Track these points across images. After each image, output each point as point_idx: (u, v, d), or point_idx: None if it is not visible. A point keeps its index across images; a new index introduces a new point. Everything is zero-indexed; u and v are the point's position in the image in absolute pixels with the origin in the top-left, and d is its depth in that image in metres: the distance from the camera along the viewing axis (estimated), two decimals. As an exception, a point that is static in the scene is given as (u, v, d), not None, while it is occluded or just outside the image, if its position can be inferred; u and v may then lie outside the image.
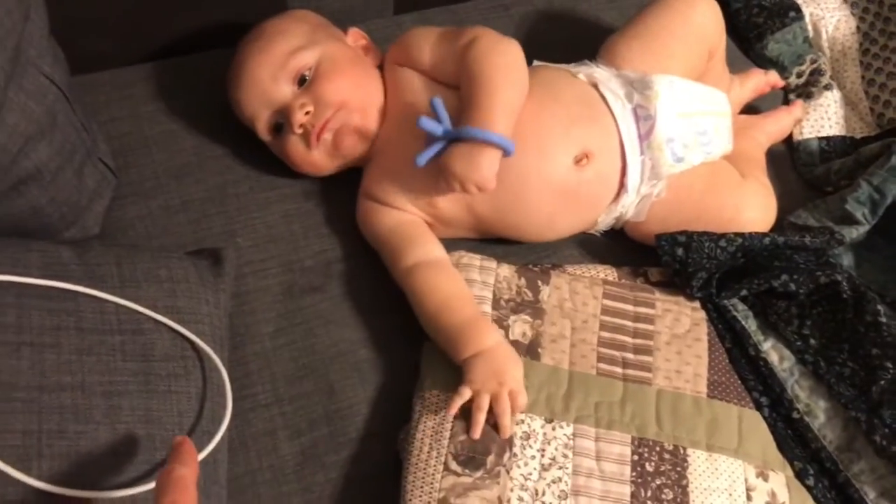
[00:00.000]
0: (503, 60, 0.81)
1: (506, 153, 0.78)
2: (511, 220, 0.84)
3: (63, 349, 0.61)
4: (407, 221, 0.82)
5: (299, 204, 0.88)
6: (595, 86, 0.86)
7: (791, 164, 1.00)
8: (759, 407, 0.80)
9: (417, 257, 0.80)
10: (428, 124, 0.77)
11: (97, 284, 0.66)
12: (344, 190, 0.87)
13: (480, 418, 0.72)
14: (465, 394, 0.72)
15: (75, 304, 0.64)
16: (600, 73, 0.88)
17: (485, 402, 0.72)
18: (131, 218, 0.85)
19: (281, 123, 0.83)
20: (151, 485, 0.59)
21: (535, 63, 0.91)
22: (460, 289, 0.79)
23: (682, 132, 0.85)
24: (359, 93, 0.84)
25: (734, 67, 1.02)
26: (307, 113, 0.81)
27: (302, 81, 0.83)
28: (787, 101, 1.04)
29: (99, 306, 0.65)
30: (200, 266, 0.73)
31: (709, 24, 0.92)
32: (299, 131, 0.82)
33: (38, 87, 0.72)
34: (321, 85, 0.82)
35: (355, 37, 0.89)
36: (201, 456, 0.61)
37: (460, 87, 0.81)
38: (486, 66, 0.80)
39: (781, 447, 0.78)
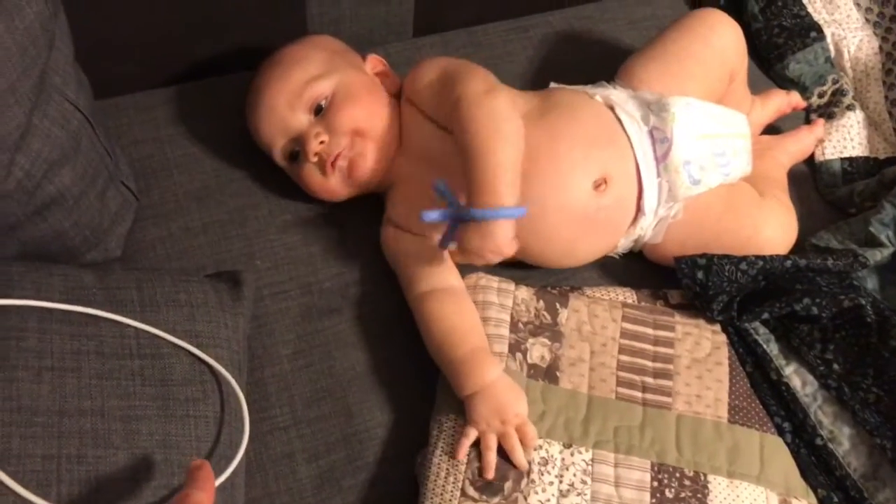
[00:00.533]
0: (490, 121, 0.79)
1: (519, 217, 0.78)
2: (531, 247, 0.84)
3: (83, 374, 0.62)
4: (427, 248, 0.82)
5: (318, 227, 0.89)
6: (611, 108, 0.86)
7: (813, 185, 0.99)
8: (781, 433, 0.79)
9: (431, 284, 0.80)
10: (431, 215, 0.76)
11: (118, 309, 0.66)
12: (363, 213, 0.88)
13: (491, 458, 0.72)
14: (472, 434, 0.73)
15: (96, 328, 0.65)
16: (617, 94, 0.87)
17: (492, 442, 0.72)
18: (152, 240, 0.86)
19: (297, 151, 0.84)
20: (168, 510, 0.59)
21: (552, 85, 0.91)
22: (466, 321, 0.78)
23: (699, 154, 0.84)
24: (374, 122, 0.84)
25: (755, 88, 1.01)
26: (322, 142, 0.82)
27: (318, 110, 0.83)
28: (808, 122, 1.03)
29: (119, 330, 0.65)
30: (220, 289, 0.73)
31: (729, 47, 0.91)
32: (314, 160, 0.83)
33: (62, 114, 0.73)
34: (336, 114, 0.83)
35: (373, 63, 0.90)
36: (219, 481, 0.62)
37: (458, 146, 0.80)
38: (477, 132, 0.78)
39: (805, 474, 0.77)
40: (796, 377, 0.82)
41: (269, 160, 0.88)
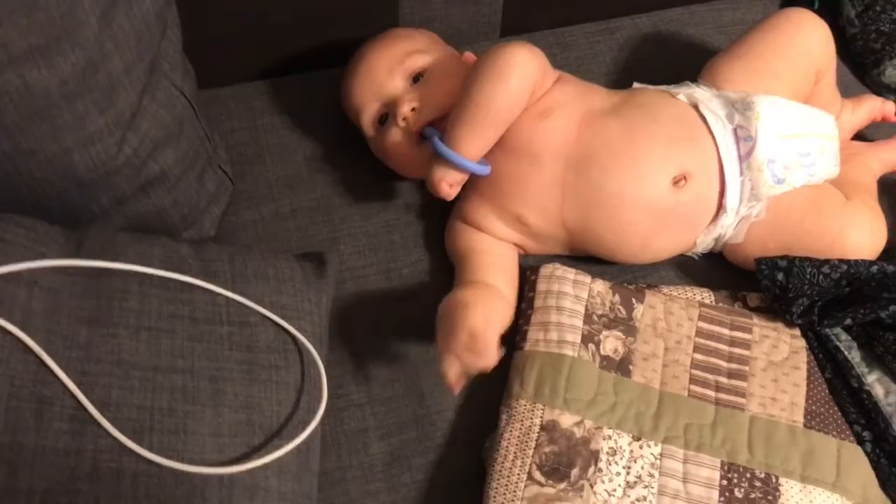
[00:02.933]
0: (498, 65, 0.79)
1: (466, 171, 0.80)
2: (606, 239, 0.84)
3: (177, 335, 0.66)
4: (487, 250, 0.84)
5: (400, 215, 0.92)
6: (695, 106, 0.86)
7: (907, 194, 0.96)
8: (860, 441, 0.77)
9: (479, 277, 0.81)
10: (429, 130, 0.83)
11: (211, 279, 0.70)
12: (442, 204, 0.90)
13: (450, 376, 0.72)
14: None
15: (190, 295, 0.69)
16: (701, 93, 0.87)
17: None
18: (244, 222, 0.91)
19: (385, 115, 0.87)
20: (249, 465, 0.62)
21: (635, 85, 0.92)
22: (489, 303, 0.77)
23: (783, 153, 0.83)
24: None
25: (849, 94, 0.99)
26: (413, 109, 0.85)
27: (415, 80, 0.86)
28: (904, 130, 1.00)
29: (211, 298, 0.69)
30: (305, 267, 0.77)
31: (815, 45, 0.90)
32: (402, 124, 0.85)
33: (168, 98, 0.78)
34: (432, 86, 0.85)
35: (468, 58, 0.93)
36: (296, 441, 0.65)
37: None
38: (479, 71, 0.80)
39: (885, 485, 0.75)
40: (879, 386, 0.79)
41: (358, 152, 0.92)
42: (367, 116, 0.88)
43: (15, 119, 0.66)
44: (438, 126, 0.84)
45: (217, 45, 0.95)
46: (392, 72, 0.86)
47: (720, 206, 0.84)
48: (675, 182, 0.82)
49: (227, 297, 0.70)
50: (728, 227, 0.85)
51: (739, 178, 0.83)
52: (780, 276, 0.81)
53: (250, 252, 0.76)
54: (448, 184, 0.82)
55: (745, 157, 0.83)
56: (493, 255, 0.84)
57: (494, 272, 0.82)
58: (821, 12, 1.04)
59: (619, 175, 0.81)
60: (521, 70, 0.80)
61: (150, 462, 0.60)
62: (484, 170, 0.82)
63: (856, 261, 0.81)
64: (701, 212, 0.84)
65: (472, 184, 0.85)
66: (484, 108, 0.79)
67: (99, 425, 0.59)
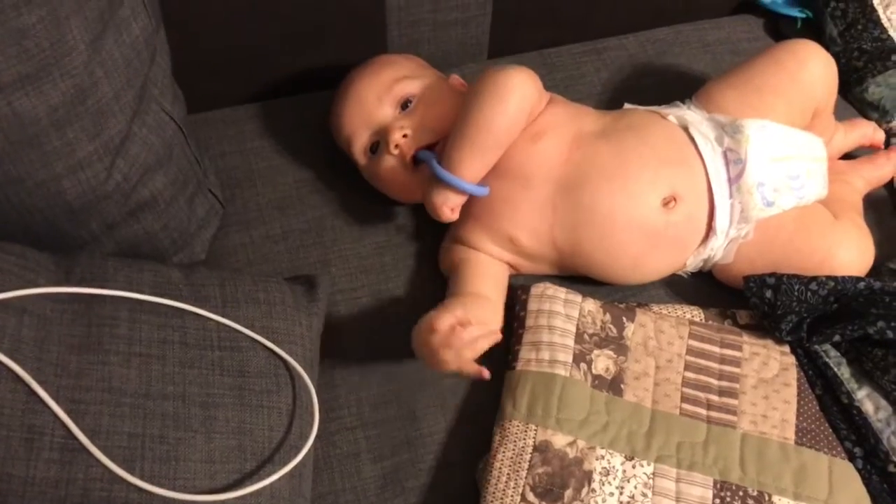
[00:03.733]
0: (496, 86, 0.80)
1: (466, 193, 0.81)
2: (596, 260, 0.85)
3: (168, 361, 0.66)
4: (479, 262, 0.84)
5: (391, 237, 0.92)
6: (685, 128, 0.86)
7: (892, 210, 0.97)
8: (852, 458, 0.77)
9: (470, 289, 0.82)
10: (424, 153, 0.84)
11: (201, 304, 0.70)
12: (433, 226, 0.91)
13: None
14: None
15: (181, 320, 0.69)
16: (691, 115, 0.88)
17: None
18: (235, 245, 0.91)
19: (377, 143, 0.87)
20: (241, 492, 0.62)
21: (626, 106, 0.93)
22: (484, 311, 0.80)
23: (773, 177, 0.84)
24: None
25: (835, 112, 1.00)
26: (405, 136, 0.85)
27: (404, 107, 0.87)
28: (888, 146, 1.01)
29: (202, 323, 0.69)
30: (296, 291, 0.77)
31: (818, 83, 0.88)
32: (395, 152, 0.85)
33: (158, 123, 0.78)
34: (422, 112, 0.86)
35: (455, 81, 0.93)
36: (289, 467, 0.64)
37: None
38: (478, 92, 0.81)
39: (877, 501, 0.75)
40: (869, 402, 0.80)
41: (347, 174, 0.92)
42: (359, 146, 0.88)
43: (4, 146, 0.66)
44: (433, 150, 0.84)
45: (206, 69, 0.95)
46: (381, 100, 0.87)
47: (710, 228, 0.84)
48: (665, 203, 0.83)
49: (217, 322, 0.70)
50: (718, 249, 0.86)
51: (729, 200, 0.84)
52: (769, 294, 0.82)
53: (241, 276, 0.76)
54: (449, 208, 0.83)
55: (734, 180, 0.84)
56: (483, 267, 0.85)
57: (484, 282, 0.83)
58: (803, 31, 1.06)
59: (610, 196, 0.82)
60: (519, 93, 0.81)
61: (141, 490, 0.59)
62: (483, 191, 0.82)
63: (843, 277, 0.82)
64: (691, 233, 0.85)
65: (465, 206, 0.86)
66: (484, 131, 0.80)
67: (90, 454, 0.59)
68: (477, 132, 0.80)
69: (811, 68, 0.88)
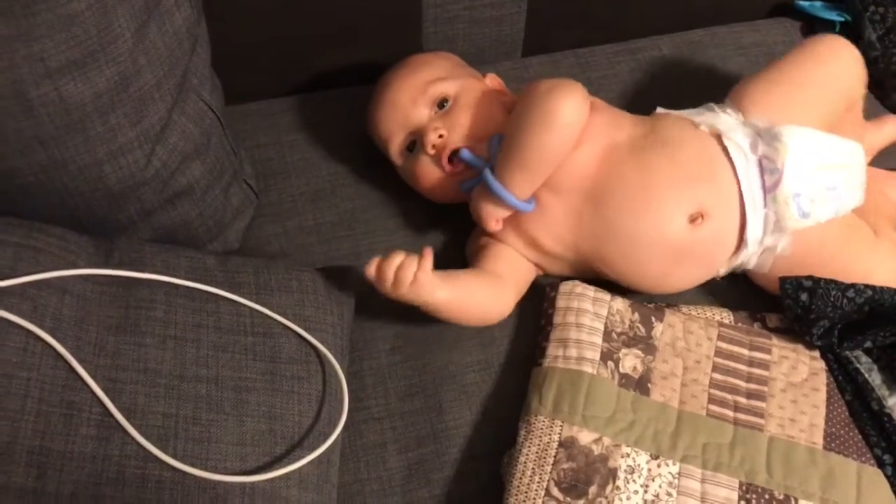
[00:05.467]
0: (548, 105, 0.79)
1: (517, 210, 0.82)
2: (621, 271, 0.84)
3: (202, 344, 0.67)
4: (503, 248, 0.86)
5: (422, 231, 0.93)
6: (718, 137, 0.84)
7: (928, 218, 0.96)
8: (881, 465, 0.76)
9: (486, 266, 0.84)
10: (466, 154, 0.85)
11: (235, 290, 0.72)
12: (463, 220, 0.91)
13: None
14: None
15: (215, 305, 0.70)
16: (725, 121, 0.85)
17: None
18: (268, 235, 0.92)
19: (413, 142, 0.88)
20: (271, 475, 0.63)
21: (658, 110, 0.90)
22: (487, 297, 0.82)
23: (810, 187, 0.81)
24: (490, 128, 0.85)
25: (869, 116, 0.99)
26: (441, 136, 0.85)
27: (441, 107, 0.87)
28: (925, 153, 1.00)
29: (236, 309, 0.71)
30: (328, 281, 0.78)
31: (850, 74, 0.89)
32: (431, 152, 0.86)
33: (197, 112, 0.80)
34: (458, 113, 0.86)
35: (492, 80, 0.94)
36: (318, 452, 0.65)
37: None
38: (528, 110, 0.80)
39: (905, 509, 0.74)
40: (900, 409, 0.79)
41: (381, 168, 0.93)
42: (395, 146, 0.89)
43: (50, 130, 0.67)
44: (473, 151, 0.85)
45: (244, 62, 0.96)
46: (416, 101, 0.87)
47: (741, 240, 0.83)
48: (692, 220, 0.81)
49: (251, 308, 0.71)
50: (751, 257, 0.85)
51: (763, 210, 0.82)
52: (804, 297, 0.81)
53: (274, 265, 0.77)
54: (496, 220, 0.84)
55: (770, 189, 0.82)
56: (503, 252, 0.85)
57: (496, 262, 0.84)
58: (841, 35, 1.05)
59: (633, 215, 0.81)
60: (571, 118, 0.80)
61: (174, 469, 0.61)
62: (530, 207, 0.83)
63: (881, 287, 0.81)
64: (719, 247, 0.83)
65: None
66: (536, 155, 0.80)
67: (125, 432, 0.61)
68: (530, 156, 0.80)
69: (843, 60, 0.89)
